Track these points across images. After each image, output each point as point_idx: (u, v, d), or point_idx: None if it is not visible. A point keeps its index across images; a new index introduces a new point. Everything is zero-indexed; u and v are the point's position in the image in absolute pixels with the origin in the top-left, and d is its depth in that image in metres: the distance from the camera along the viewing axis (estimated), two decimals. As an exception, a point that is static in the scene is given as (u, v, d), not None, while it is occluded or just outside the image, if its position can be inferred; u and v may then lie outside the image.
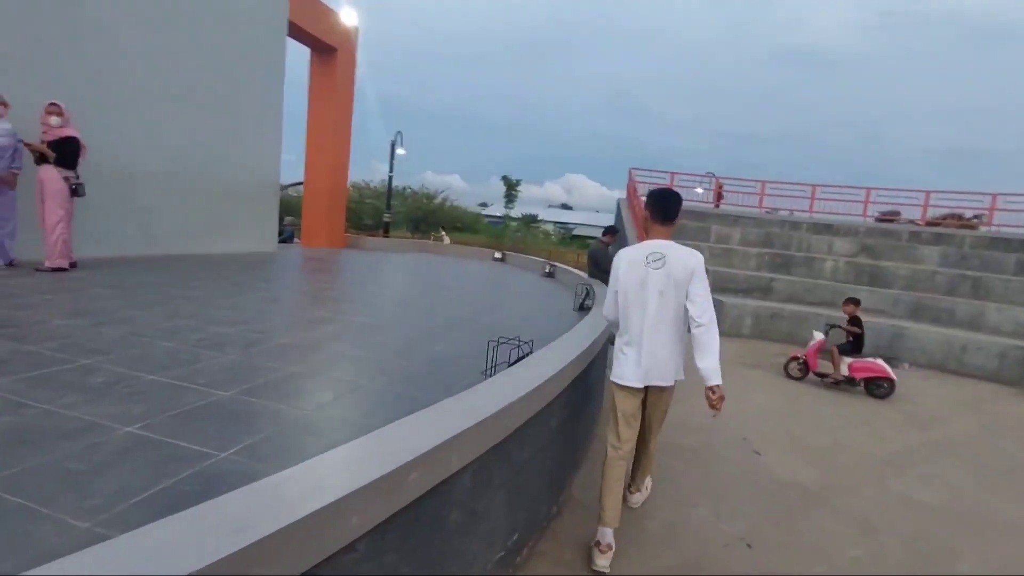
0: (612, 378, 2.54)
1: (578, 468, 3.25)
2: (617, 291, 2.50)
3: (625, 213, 11.99)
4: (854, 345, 6.14)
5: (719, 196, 14.89)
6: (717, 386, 2.34)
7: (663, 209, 2.51)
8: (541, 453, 2.31)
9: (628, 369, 2.45)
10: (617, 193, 22.54)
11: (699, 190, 15.19)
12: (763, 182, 12.78)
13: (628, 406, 2.50)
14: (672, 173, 12.74)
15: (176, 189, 7.55)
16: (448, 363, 3.16)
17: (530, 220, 58.57)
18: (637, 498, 2.86)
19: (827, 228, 12.22)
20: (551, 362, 2.36)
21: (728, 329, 8.93)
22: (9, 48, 5.31)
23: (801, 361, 6.30)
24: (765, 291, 9.97)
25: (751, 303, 9.06)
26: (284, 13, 8.97)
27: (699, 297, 2.38)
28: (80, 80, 5.99)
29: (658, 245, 2.44)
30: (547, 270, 9.20)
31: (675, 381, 2.51)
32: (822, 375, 6.14)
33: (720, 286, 10.02)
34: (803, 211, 13.12)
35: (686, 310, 2.38)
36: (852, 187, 12.77)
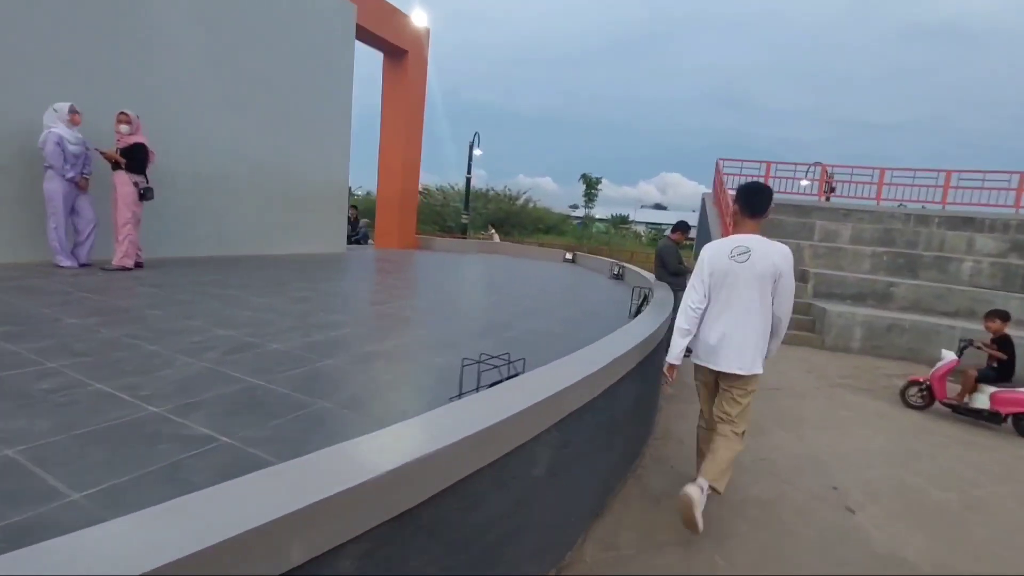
0: (695, 360, 2.72)
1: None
2: (702, 281, 2.60)
3: (710, 209, 10.85)
4: (1000, 372, 4.81)
5: (830, 188, 13.08)
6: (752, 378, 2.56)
7: (752, 203, 2.58)
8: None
9: (704, 352, 2.61)
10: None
11: (804, 182, 13.44)
12: (881, 169, 10.92)
13: (703, 386, 2.78)
14: (767, 162, 11.31)
15: (247, 192, 7.86)
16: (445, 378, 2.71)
17: (620, 221, 57.30)
18: (690, 490, 2.42)
19: (967, 222, 10.16)
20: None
21: (831, 342, 7.63)
22: (86, 62, 5.71)
23: (924, 386, 5.06)
24: (881, 298, 8.43)
25: (862, 312, 7.66)
26: (352, 18, 9.09)
27: (784, 293, 2.51)
28: (152, 90, 6.35)
29: (744, 239, 2.53)
30: (615, 272, 8.48)
31: (753, 373, 2.53)
32: (952, 405, 4.88)
33: (823, 291, 8.66)
34: (934, 203, 11.06)
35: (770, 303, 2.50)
36: (1000, 172, 10.49)
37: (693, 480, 2.48)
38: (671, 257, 6.21)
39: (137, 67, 6.18)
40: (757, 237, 2.51)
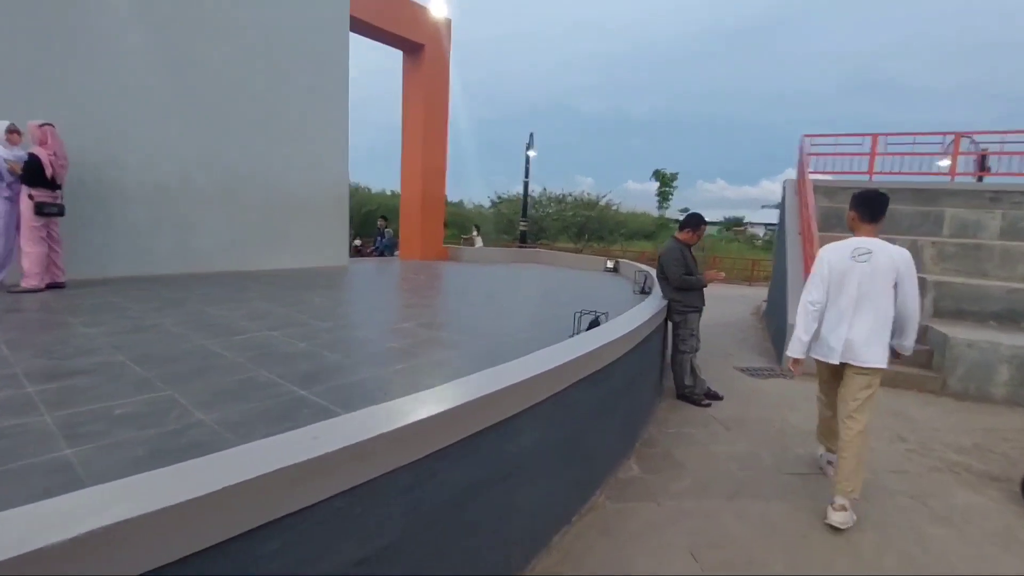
0: (812, 355, 2.95)
1: None
2: (822, 279, 2.84)
3: (790, 199, 8.44)
4: None
5: (981, 166, 9.78)
6: (906, 354, 2.88)
7: (872, 210, 2.84)
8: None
9: (822, 345, 2.85)
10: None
11: (943, 163, 10.18)
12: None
13: (823, 376, 3.13)
14: (873, 135, 8.55)
15: (220, 203, 7.33)
16: None
17: (733, 223, 52.42)
18: (839, 517, 2.63)
19: None
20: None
21: (957, 385, 5.16)
22: (10, 68, 5.38)
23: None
24: (1049, 318, 5.65)
25: (1012, 340, 5.07)
26: (344, 7, 8.32)
27: (910, 294, 2.72)
28: (95, 95, 5.95)
29: (864, 241, 2.79)
30: (641, 286, 6.64)
31: (876, 366, 2.70)
32: None
33: (950, 308, 6.08)
34: None
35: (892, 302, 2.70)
36: None
37: (832, 499, 2.70)
38: (674, 264, 4.40)
39: (76, 72, 5.80)
40: (877, 240, 2.78)
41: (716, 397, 4.68)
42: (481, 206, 28.91)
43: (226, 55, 7.12)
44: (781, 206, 9.21)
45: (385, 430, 1.48)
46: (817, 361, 2.97)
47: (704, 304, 4.61)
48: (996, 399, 5.01)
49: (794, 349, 2.94)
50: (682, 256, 4.40)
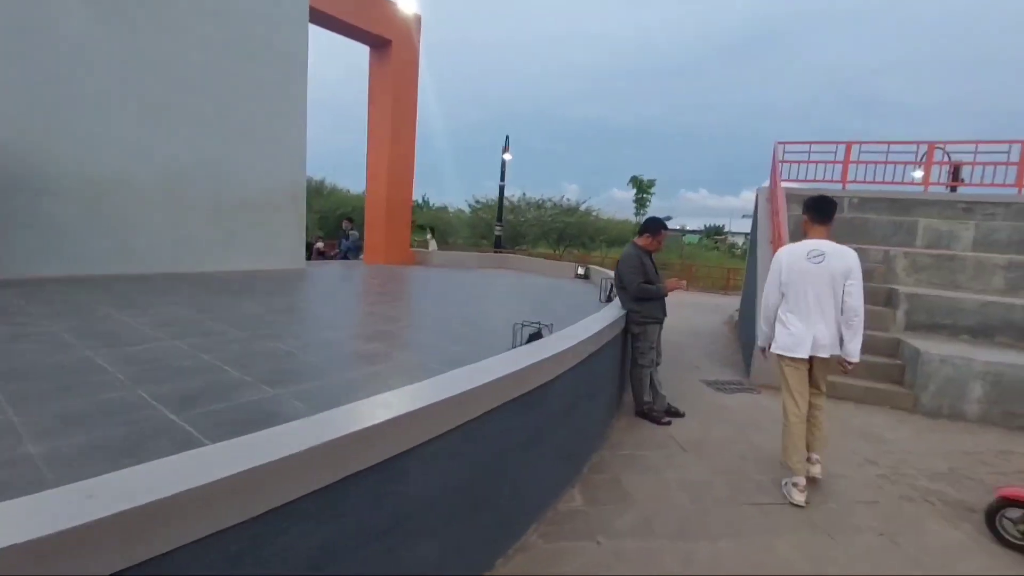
0: (777, 351, 3.13)
1: None
2: (780, 282, 3.09)
3: (763, 207, 8.22)
4: None
5: (954, 176, 9.72)
6: (852, 363, 3.04)
7: (822, 213, 3.12)
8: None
9: (793, 342, 3.03)
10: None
11: (917, 174, 10.10)
12: (1027, 142, 7.57)
13: (795, 375, 3.09)
14: (847, 143, 8.39)
15: (163, 200, 6.85)
16: None
17: (713, 232, 52.61)
18: (818, 469, 3.12)
19: None
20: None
21: (930, 402, 4.91)
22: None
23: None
24: (1021, 333, 5.45)
25: (986, 356, 4.84)
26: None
27: (855, 291, 2.97)
28: (17, 78, 5.46)
29: (818, 243, 3.04)
30: (610, 294, 6.33)
31: (832, 355, 3.02)
32: None
33: (923, 321, 5.86)
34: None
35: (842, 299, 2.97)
36: None
37: (809, 460, 3.11)
38: (632, 272, 4.08)
39: (12, 61, 5.33)
40: (828, 242, 3.05)
41: (677, 414, 4.35)
42: (461, 210, 28.49)
43: (173, 43, 6.68)
44: (754, 215, 9.00)
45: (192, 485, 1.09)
46: (786, 363, 3.12)
47: (665, 315, 4.28)
48: (970, 417, 4.77)
49: (761, 340, 3.34)
50: (640, 263, 4.07)
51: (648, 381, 4.21)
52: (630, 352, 4.28)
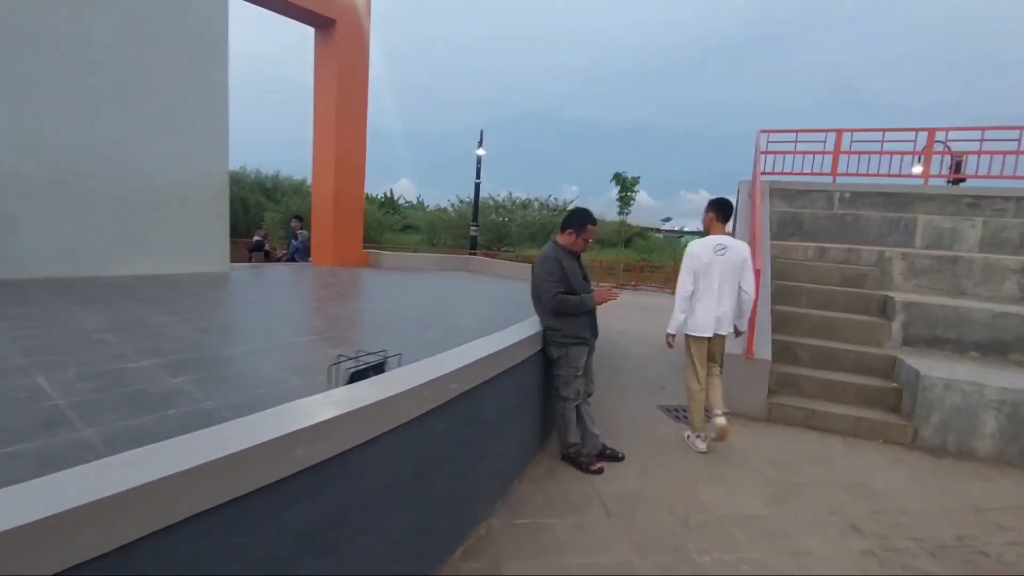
0: (687, 331, 3.62)
1: None
2: (693, 272, 3.54)
3: (743, 202, 7.33)
4: None
5: (956, 168, 8.80)
6: (743, 332, 3.79)
7: (724, 214, 3.68)
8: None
9: (700, 324, 3.55)
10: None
11: (917, 168, 9.18)
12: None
13: (699, 351, 3.61)
14: (838, 131, 7.51)
15: (56, 195, 5.96)
16: None
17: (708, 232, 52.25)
18: (722, 420, 3.52)
19: None
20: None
21: (932, 436, 4.02)
22: None
23: None
24: (1043, 349, 4.56)
25: (1001, 379, 3.94)
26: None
27: (749, 277, 3.55)
28: None
29: (721, 239, 3.57)
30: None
31: (727, 332, 3.61)
32: None
33: (923, 335, 4.98)
34: None
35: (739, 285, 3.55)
36: None
37: (714, 413, 3.57)
38: (548, 279, 3.18)
39: None
40: (728, 237, 3.61)
41: (614, 458, 3.44)
42: (445, 209, 27.59)
43: (68, 19, 5.79)
44: (735, 210, 8.11)
45: None
46: (693, 341, 3.61)
47: (596, 334, 3.38)
48: (981, 456, 3.87)
49: (672, 327, 3.64)
50: (560, 268, 3.17)
51: (575, 417, 3.31)
52: (554, 381, 3.38)
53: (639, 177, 17.20)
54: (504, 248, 25.14)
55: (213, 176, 7.22)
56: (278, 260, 9.92)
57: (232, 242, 7.95)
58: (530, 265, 9.35)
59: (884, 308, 5.28)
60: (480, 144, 14.72)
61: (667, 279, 17.18)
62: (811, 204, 7.18)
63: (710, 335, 3.55)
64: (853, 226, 6.66)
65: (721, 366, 3.75)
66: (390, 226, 28.90)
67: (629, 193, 17.64)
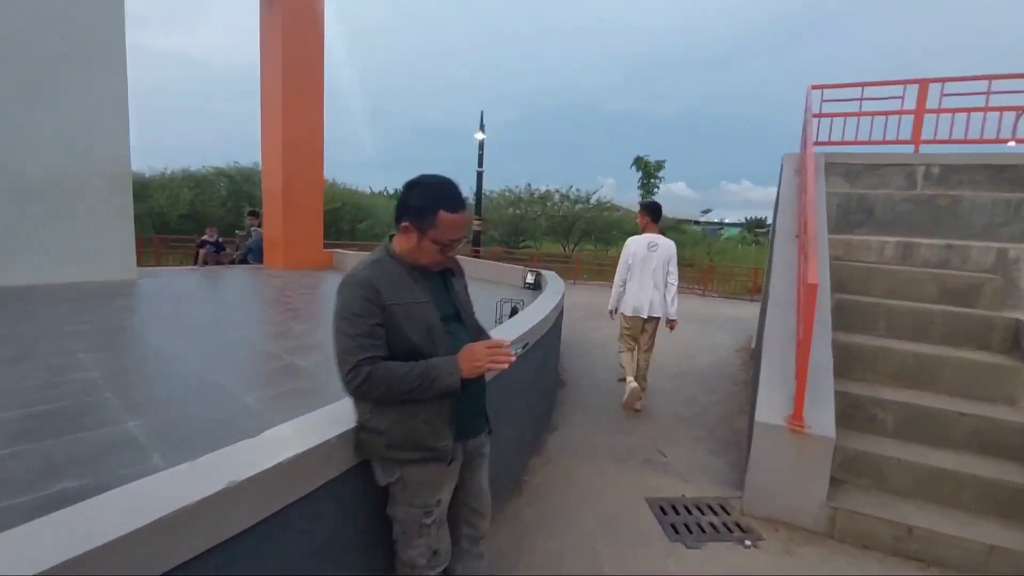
0: (623, 311, 4.28)
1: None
2: (628, 265, 4.25)
3: (787, 182, 5.43)
4: None
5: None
6: (675, 321, 4.29)
7: (655, 216, 4.34)
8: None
9: (632, 306, 4.21)
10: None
11: (1012, 143, 6.96)
12: None
13: (631, 327, 4.29)
14: (922, 82, 5.50)
15: None
16: None
17: (755, 224, 48.69)
18: (634, 384, 4.22)
19: None
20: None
21: None
22: None
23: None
24: None
25: None
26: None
27: (674, 269, 4.20)
28: None
29: (654, 237, 4.23)
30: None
31: (659, 316, 4.24)
32: None
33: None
34: None
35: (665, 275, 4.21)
36: None
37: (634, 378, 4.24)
38: (346, 327, 1.48)
39: None
40: (659, 236, 4.25)
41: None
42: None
43: None
44: (777, 192, 6.19)
45: None
46: (626, 321, 4.33)
47: (482, 428, 1.71)
48: None
49: (611, 305, 4.41)
50: (376, 306, 1.49)
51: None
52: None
53: (664, 161, 15.15)
54: (523, 245, 23.46)
55: (109, 162, 5.86)
56: (232, 262, 8.60)
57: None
58: (534, 270, 7.54)
59: (1016, 339, 3.36)
60: (481, 127, 13.06)
61: (700, 277, 15.08)
62: (884, 183, 5.22)
63: (644, 316, 4.18)
64: (950, 213, 4.68)
65: (651, 348, 4.37)
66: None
67: (653, 179, 15.57)
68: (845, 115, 5.76)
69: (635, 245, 4.24)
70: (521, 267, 7.47)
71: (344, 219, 22.06)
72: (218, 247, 7.97)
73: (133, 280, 6.11)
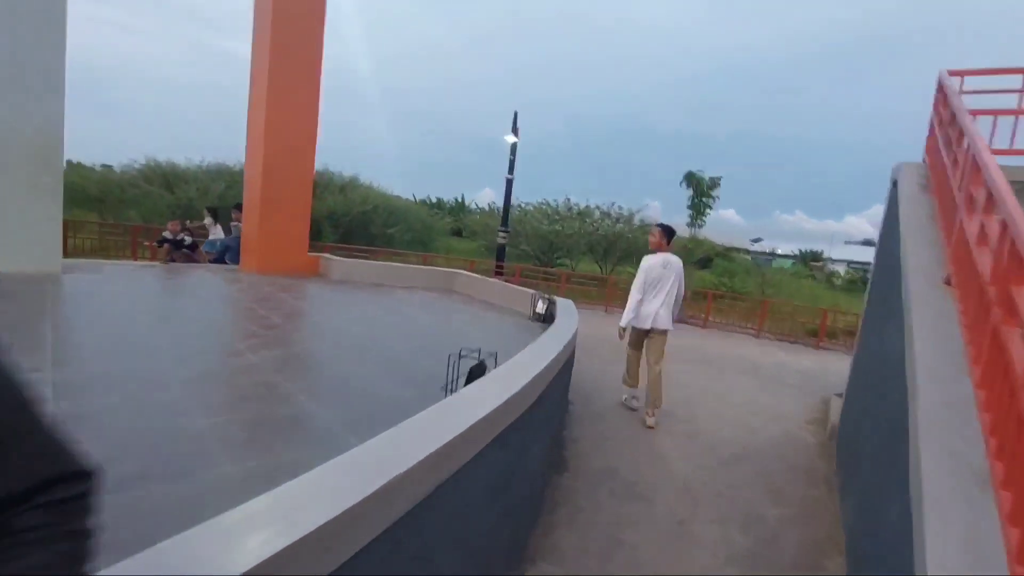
0: (633, 324, 4.52)
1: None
2: (644, 282, 4.45)
3: (912, 199, 3.77)
4: None
5: None
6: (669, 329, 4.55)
7: (670, 238, 4.67)
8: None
9: (644, 318, 4.44)
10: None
11: None
12: None
13: (636, 339, 4.65)
14: None
15: None
16: None
17: (810, 257, 46.14)
18: (652, 420, 4.43)
19: None
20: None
21: None
22: None
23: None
24: None
25: None
26: None
27: (681, 286, 4.56)
28: None
29: (667, 257, 4.53)
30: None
31: (670, 329, 4.51)
32: None
33: None
34: None
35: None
36: None
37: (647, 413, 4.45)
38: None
39: None
40: (671, 255, 4.56)
41: None
42: (493, 212, 25.04)
43: None
44: (885, 222, 4.52)
45: None
46: (634, 330, 4.60)
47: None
48: None
49: (624, 321, 4.53)
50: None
51: None
52: None
53: (720, 178, 13.39)
54: (558, 263, 21.96)
55: (36, 134, 4.84)
56: (204, 260, 7.56)
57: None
58: (547, 296, 6.36)
59: None
60: (514, 130, 11.79)
61: (753, 314, 13.08)
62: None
63: (648, 327, 4.48)
64: None
65: (659, 361, 4.50)
66: (440, 230, 26.85)
67: (705, 199, 13.81)
68: (998, 113, 4.06)
69: (651, 264, 4.52)
70: (532, 291, 6.01)
71: (375, 223, 21.23)
72: (180, 244, 6.91)
73: (56, 273, 5.05)
